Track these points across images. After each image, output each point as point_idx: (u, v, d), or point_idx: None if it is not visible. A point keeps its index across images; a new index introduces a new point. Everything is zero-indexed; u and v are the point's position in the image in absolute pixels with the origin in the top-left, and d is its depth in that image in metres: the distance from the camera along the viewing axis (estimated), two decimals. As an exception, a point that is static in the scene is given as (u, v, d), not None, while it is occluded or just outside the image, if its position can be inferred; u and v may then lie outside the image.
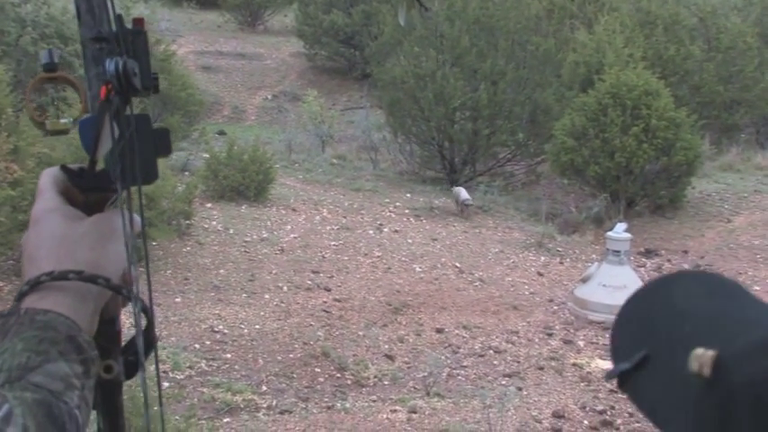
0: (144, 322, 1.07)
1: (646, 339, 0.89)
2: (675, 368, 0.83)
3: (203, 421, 8.41)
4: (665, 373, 0.86)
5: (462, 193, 16.27)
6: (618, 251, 12.53)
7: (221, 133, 20.47)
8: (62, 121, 1.13)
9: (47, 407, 0.88)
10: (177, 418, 8.01)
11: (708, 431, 0.79)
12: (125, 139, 1.00)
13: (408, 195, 17.36)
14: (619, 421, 9.49)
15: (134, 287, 1.06)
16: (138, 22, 1.03)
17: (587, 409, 9.72)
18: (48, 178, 1.07)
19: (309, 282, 12.45)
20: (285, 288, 12.10)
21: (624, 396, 0.96)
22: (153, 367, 1.12)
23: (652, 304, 0.93)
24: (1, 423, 0.84)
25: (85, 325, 0.99)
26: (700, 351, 0.81)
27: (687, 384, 0.82)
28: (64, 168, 1.07)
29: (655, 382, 0.87)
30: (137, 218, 1.06)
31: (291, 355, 10.26)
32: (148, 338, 1.08)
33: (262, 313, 11.18)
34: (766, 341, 0.79)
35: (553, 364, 10.89)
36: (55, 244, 1.01)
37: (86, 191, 1.07)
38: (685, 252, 15.25)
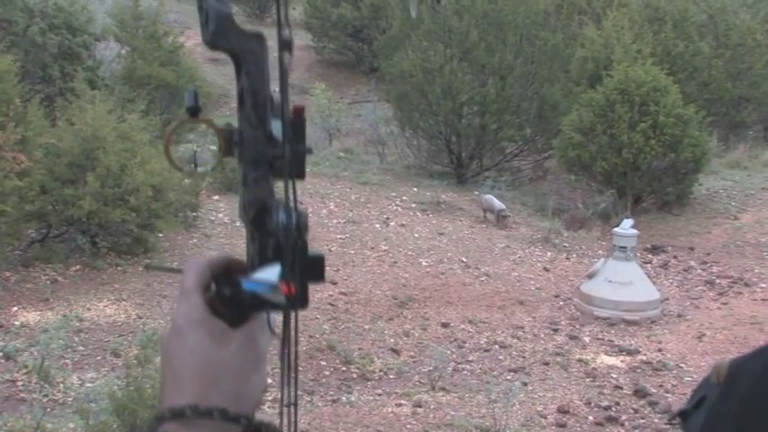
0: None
1: (706, 385, 0.94)
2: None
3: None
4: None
5: (495, 202, 15.86)
6: (624, 247, 12.52)
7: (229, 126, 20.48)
8: (199, 170, 1.14)
9: None
10: (182, 409, 8.01)
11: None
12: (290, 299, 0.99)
13: (415, 189, 17.36)
14: (624, 417, 9.48)
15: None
16: (298, 111, 1.04)
17: (592, 404, 9.71)
18: (194, 276, 1.03)
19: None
20: (291, 281, 12.09)
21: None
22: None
23: None
24: None
25: None
26: (718, 362, 0.87)
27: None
28: (217, 282, 1.03)
29: (702, 416, 0.92)
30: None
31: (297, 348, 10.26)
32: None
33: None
34: (764, 347, 0.83)
35: (558, 359, 10.89)
36: (199, 367, 0.99)
37: (231, 308, 1.04)
38: (692, 249, 15.22)
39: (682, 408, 0.96)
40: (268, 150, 1.02)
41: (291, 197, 1.01)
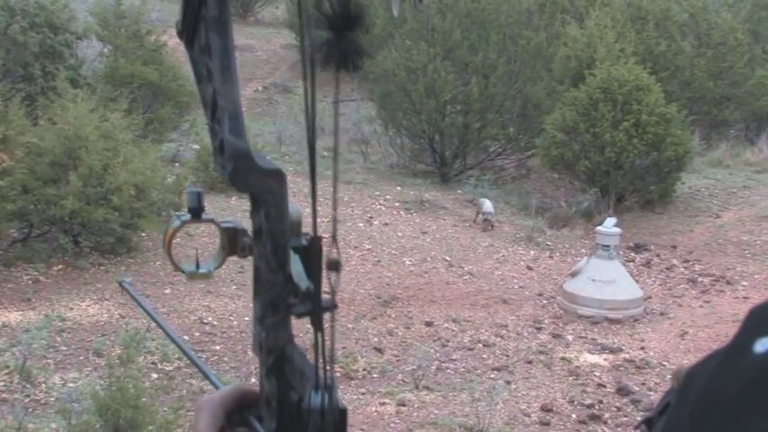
0: None
1: (671, 392, 0.96)
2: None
3: (192, 413, 8.40)
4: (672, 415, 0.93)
5: (485, 205, 15.78)
6: (607, 246, 12.56)
7: (212, 125, 20.38)
8: (201, 271, 1.11)
9: None
10: (166, 409, 8.01)
11: None
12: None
13: (398, 188, 17.35)
14: (607, 415, 9.52)
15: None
16: (316, 241, 1.01)
17: (575, 402, 9.75)
18: (207, 419, 0.99)
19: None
20: (275, 280, 12.07)
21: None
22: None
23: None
24: None
25: None
26: (677, 368, 0.90)
27: None
28: (230, 421, 1.00)
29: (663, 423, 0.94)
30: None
31: (280, 348, 10.25)
32: None
33: (251, 305, 11.14)
34: (718, 350, 0.86)
35: (542, 357, 10.92)
36: None
37: None
38: (674, 247, 15.29)
39: (647, 415, 0.98)
40: (286, 293, 0.99)
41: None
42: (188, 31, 0.98)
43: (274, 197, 0.98)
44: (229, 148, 0.95)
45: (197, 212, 1.04)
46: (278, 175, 0.98)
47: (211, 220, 1.05)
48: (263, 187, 0.97)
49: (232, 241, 1.04)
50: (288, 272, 0.98)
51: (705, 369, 0.85)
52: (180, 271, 1.08)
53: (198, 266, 1.08)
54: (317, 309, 0.97)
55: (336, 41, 0.89)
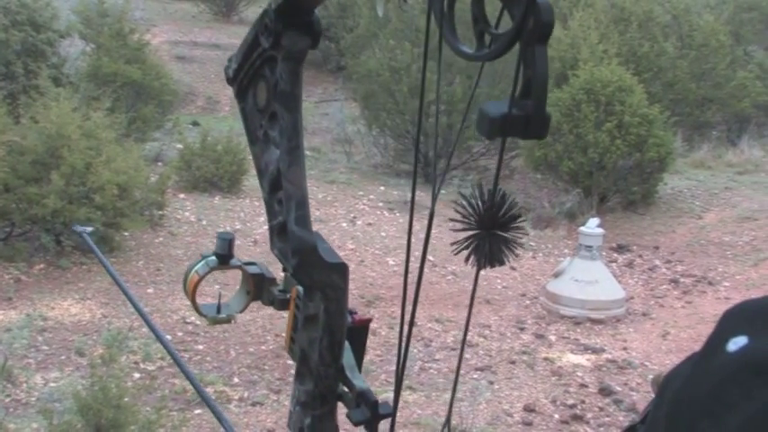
0: None
1: (655, 400, 0.98)
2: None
3: (174, 413, 8.37)
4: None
5: None
6: (590, 246, 12.60)
7: (195, 124, 20.35)
8: (221, 315, 1.09)
9: None
10: (148, 409, 7.97)
11: None
12: None
13: (382, 188, 17.36)
14: (589, 415, 9.55)
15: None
16: (363, 321, 0.99)
17: (558, 403, 9.77)
18: None
19: (282, 274, 12.41)
20: (258, 280, 12.04)
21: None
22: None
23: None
24: None
25: None
26: (656, 375, 0.91)
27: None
28: None
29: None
30: None
31: (263, 347, 10.24)
32: None
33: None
34: (695, 352, 0.87)
35: (525, 358, 10.94)
36: None
37: None
38: (656, 248, 15.35)
39: (631, 423, 0.99)
40: (336, 385, 0.96)
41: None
42: (241, 83, 0.94)
43: (336, 293, 0.95)
44: (295, 240, 0.91)
45: (225, 259, 1.01)
46: (341, 270, 0.94)
47: (239, 267, 1.03)
48: (327, 282, 0.94)
49: (258, 287, 1.02)
50: (340, 365, 0.95)
51: (681, 372, 0.87)
52: (201, 315, 1.06)
53: (219, 310, 1.06)
54: (374, 416, 0.94)
55: (486, 239, 0.87)
